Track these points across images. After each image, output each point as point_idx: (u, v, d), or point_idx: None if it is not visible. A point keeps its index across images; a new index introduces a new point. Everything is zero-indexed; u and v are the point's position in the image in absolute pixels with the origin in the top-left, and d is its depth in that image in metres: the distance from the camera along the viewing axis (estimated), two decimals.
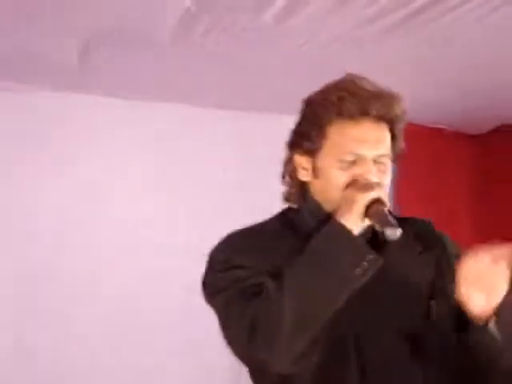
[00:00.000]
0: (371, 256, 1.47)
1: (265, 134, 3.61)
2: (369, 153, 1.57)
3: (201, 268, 1.61)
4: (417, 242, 1.67)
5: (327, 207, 1.59)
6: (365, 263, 1.46)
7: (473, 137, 4.18)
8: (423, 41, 2.89)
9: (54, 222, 3.44)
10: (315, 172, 1.60)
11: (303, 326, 1.44)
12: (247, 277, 1.51)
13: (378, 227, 1.52)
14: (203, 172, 3.69)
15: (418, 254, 1.65)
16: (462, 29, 2.76)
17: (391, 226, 1.50)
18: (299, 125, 1.63)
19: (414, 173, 3.81)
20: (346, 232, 1.49)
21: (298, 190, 1.66)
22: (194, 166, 3.68)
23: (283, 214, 1.70)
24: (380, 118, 1.59)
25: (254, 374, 1.62)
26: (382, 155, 1.59)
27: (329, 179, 1.58)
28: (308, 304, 1.43)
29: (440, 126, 4.05)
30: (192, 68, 3.12)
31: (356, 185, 1.54)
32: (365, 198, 1.51)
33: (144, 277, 3.50)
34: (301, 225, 1.63)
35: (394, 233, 1.50)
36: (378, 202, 1.52)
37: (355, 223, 1.50)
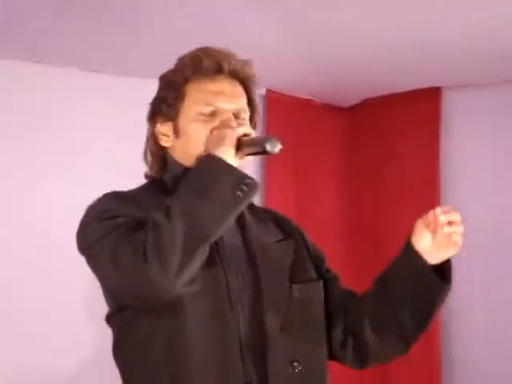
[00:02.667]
0: (250, 180, 1.51)
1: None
2: (226, 105, 1.63)
3: None
4: (277, 230, 1.76)
5: (189, 165, 1.62)
6: (244, 186, 1.50)
7: (342, 109, 4.21)
8: (287, 13, 2.89)
9: None
10: (176, 133, 1.65)
11: (194, 247, 1.46)
12: (129, 220, 1.54)
13: (256, 148, 1.56)
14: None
15: (278, 240, 1.73)
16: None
17: (270, 139, 1.54)
18: (157, 96, 1.69)
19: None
20: (223, 160, 1.52)
21: (161, 162, 1.70)
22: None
23: (149, 184, 1.73)
24: (234, 76, 1.67)
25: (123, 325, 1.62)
26: (241, 110, 1.66)
27: (190, 135, 1.63)
28: (196, 227, 1.47)
29: (309, 97, 4.08)
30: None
31: (223, 125, 1.60)
32: (235, 132, 1.57)
33: None
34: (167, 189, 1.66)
35: (275, 144, 1.53)
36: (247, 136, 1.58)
37: (230, 157, 1.54)
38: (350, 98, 4.12)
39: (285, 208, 3.93)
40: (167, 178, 1.69)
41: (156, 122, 1.68)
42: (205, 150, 1.58)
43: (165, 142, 1.68)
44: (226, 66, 1.64)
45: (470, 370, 3.76)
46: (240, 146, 1.55)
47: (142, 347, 1.58)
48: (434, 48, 3.26)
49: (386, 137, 4.02)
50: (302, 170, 3.97)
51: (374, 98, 4.05)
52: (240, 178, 1.51)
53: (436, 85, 3.83)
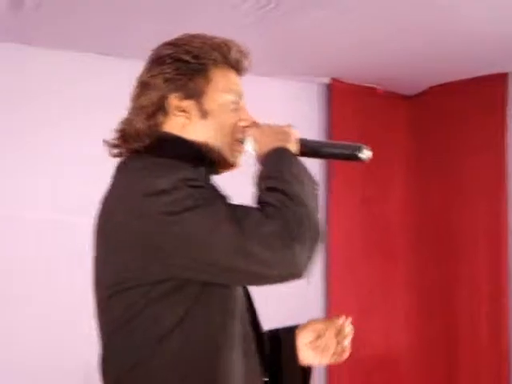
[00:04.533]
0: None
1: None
2: (243, 101, 1.68)
3: None
4: None
5: (212, 145, 1.62)
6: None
7: (407, 97, 4.17)
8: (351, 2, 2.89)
9: None
10: (203, 114, 1.62)
11: (318, 231, 1.50)
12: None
13: (344, 152, 1.63)
14: None
15: None
16: None
17: (362, 146, 1.62)
18: (174, 68, 1.61)
19: (345, 134, 3.85)
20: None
21: (150, 131, 1.61)
22: None
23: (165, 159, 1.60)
24: (243, 74, 1.71)
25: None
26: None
27: (222, 120, 1.63)
28: (316, 212, 1.52)
29: (372, 86, 4.07)
30: None
31: (249, 120, 1.66)
32: (296, 134, 1.62)
33: None
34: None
35: (366, 152, 1.62)
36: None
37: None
38: (414, 86, 4.08)
39: (351, 198, 3.95)
40: (176, 154, 1.59)
41: (168, 95, 1.61)
42: (263, 142, 1.61)
43: (183, 117, 1.62)
44: (245, 64, 1.68)
45: None
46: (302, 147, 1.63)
47: (212, 314, 1.54)
48: (498, 34, 3.23)
49: (452, 125, 3.97)
50: (368, 164, 3.95)
51: (439, 86, 4.00)
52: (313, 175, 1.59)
53: (502, 71, 3.78)
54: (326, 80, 3.91)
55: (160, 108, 1.61)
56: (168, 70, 1.60)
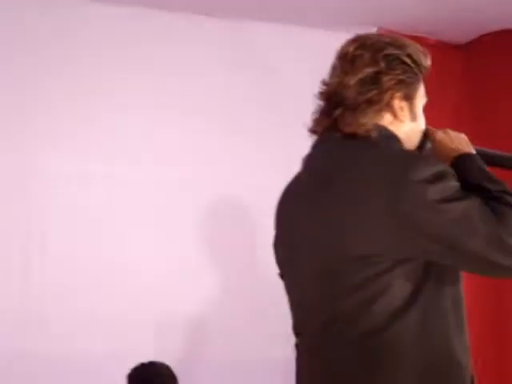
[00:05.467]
0: None
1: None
2: None
3: None
4: None
5: (409, 147, 1.77)
6: None
7: (458, 46, 4.08)
8: None
9: None
10: (413, 116, 1.78)
11: None
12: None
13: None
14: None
15: None
16: None
17: None
18: (408, 70, 1.76)
19: None
20: None
21: (373, 124, 1.71)
22: None
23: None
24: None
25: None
26: None
27: (420, 124, 1.81)
28: None
29: (423, 35, 3.97)
30: None
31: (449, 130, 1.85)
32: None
33: None
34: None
35: None
36: None
37: None
38: (466, 34, 3.98)
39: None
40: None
41: (395, 94, 1.74)
42: (449, 146, 1.79)
43: (402, 116, 1.76)
44: None
45: None
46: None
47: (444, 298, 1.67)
48: None
49: (505, 73, 3.88)
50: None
51: (491, 34, 3.90)
52: None
53: None
54: (374, 29, 3.82)
55: (386, 105, 1.72)
56: (398, 71, 1.73)
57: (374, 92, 1.70)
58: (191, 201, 3.49)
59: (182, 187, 3.50)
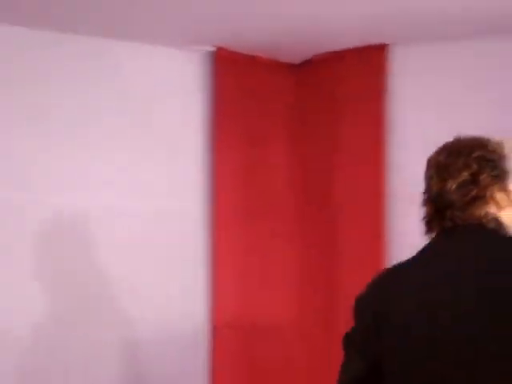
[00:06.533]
0: None
1: None
2: None
3: None
4: None
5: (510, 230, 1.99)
6: None
7: (291, 66, 4.18)
8: None
9: None
10: (509, 202, 1.98)
11: None
12: None
13: None
14: None
15: None
16: None
17: None
18: (492, 166, 1.97)
19: (227, 104, 3.88)
20: None
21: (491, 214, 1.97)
22: None
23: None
24: None
25: None
26: None
27: None
28: None
29: (258, 54, 4.05)
30: None
31: None
32: None
33: None
34: None
35: None
36: None
37: None
38: (299, 55, 4.09)
39: (234, 167, 3.93)
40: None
41: (492, 187, 1.97)
42: None
43: (504, 206, 1.99)
44: None
45: None
46: None
47: None
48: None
49: (334, 94, 4.03)
50: (252, 131, 3.99)
51: (323, 54, 4.03)
52: None
53: (383, 42, 3.85)
54: (211, 48, 3.88)
55: (490, 198, 1.96)
56: (488, 169, 1.96)
57: (476, 190, 1.94)
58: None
59: None
